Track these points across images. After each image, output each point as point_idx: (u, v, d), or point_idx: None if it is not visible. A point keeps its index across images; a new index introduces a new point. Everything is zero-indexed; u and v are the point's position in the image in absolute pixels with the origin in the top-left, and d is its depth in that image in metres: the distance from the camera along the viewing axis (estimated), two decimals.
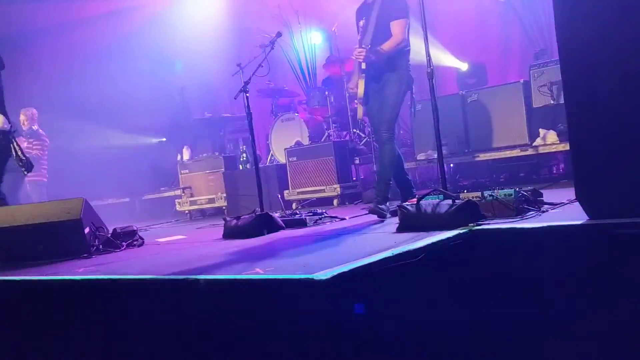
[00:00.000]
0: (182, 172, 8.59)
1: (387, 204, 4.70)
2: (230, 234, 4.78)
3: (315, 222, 4.93)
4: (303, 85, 9.93)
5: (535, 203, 3.78)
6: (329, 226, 4.80)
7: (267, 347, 2.56)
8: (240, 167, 7.96)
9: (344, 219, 5.08)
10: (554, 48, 6.72)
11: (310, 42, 9.87)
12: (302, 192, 7.12)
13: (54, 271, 3.81)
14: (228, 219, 4.96)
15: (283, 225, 4.81)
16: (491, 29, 8.34)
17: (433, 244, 3.00)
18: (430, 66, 4.16)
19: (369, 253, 2.83)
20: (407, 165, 5.32)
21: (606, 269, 2.72)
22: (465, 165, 7.30)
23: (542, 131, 6.11)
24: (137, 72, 9.64)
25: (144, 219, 8.49)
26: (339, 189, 6.79)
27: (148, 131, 10.16)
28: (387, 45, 4.65)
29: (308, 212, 5.40)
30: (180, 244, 5.05)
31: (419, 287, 2.81)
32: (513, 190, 3.75)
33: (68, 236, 4.44)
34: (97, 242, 4.59)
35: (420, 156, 7.01)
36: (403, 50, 4.74)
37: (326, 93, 7.93)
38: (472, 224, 3.35)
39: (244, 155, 7.93)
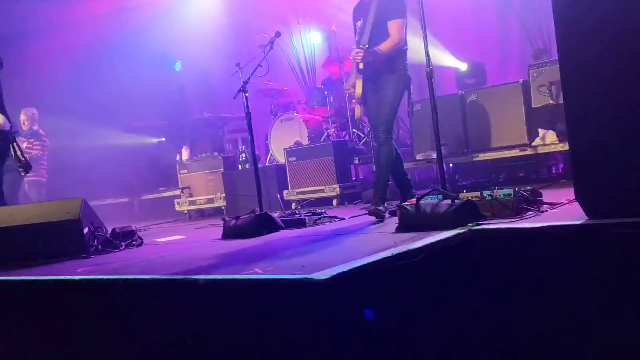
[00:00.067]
0: (181, 172, 8.59)
1: (386, 204, 4.70)
2: (230, 234, 4.78)
3: (315, 222, 4.93)
4: (302, 85, 9.93)
5: (534, 203, 3.78)
6: (328, 226, 4.80)
7: (267, 347, 2.56)
8: (240, 167, 7.96)
9: (344, 219, 5.08)
10: (553, 48, 6.72)
11: (309, 42, 9.87)
12: (302, 192, 7.11)
13: (53, 271, 3.81)
14: (227, 219, 4.96)
15: (282, 225, 4.80)
16: (490, 29, 8.34)
17: (432, 243, 3.00)
18: (429, 66, 4.16)
19: (368, 253, 2.83)
20: (406, 165, 5.32)
21: (605, 269, 2.72)
22: (465, 165, 7.29)
23: (541, 131, 6.11)
24: (137, 72, 9.63)
25: (143, 219, 8.49)
26: (338, 189, 6.78)
27: (147, 131, 10.16)
28: (384, 46, 4.63)
29: (307, 212, 5.40)
30: (179, 244, 5.05)
31: (418, 287, 2.81)
32: (512, 190, 3.76)
33: (67, 236, 4.43)
34: (96, 242, 4.58)
35: (420, 156, 7.01)
36: (401, 50, 4.72)
37: (325, 93, 7.94)
38: (471, 224, 3.35)
39: (243, 155, 7.93)
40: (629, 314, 2.64)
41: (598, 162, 2.92)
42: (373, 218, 4.60)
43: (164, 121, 10.05)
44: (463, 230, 3.23)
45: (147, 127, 10.10)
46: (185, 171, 8.55)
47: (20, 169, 5.04)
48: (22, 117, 8.13)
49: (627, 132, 2.82)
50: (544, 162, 6.77)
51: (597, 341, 2.74)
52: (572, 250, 2.84)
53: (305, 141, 7.62)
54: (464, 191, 4.06)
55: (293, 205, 7.12)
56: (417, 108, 6.65)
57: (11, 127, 5.10)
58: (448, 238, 3.11)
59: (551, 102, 6.19)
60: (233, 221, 4.83)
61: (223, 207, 7.88)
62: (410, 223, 3.67)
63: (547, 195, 4.12)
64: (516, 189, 3.82)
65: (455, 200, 3.58)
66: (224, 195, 7.85)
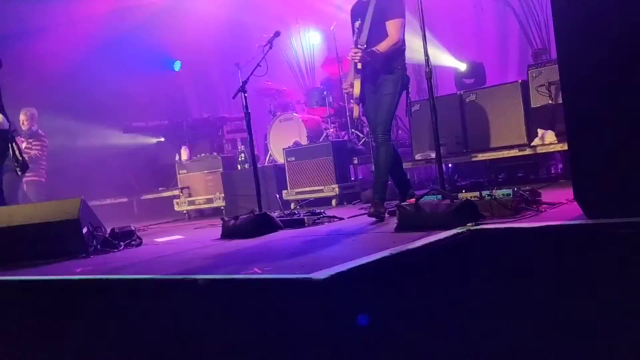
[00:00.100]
0: (181, 172, 8.59)
1: (385, 204, 4.70)
2: (229, 234, 4.78)
3: (314, 222, 4.93)
4: (302, 85, 9.93)
5: (533, 203, 3.79)
6: (327, 226, 4.80)
7: (265, 346, 2.56)
8: (239, 167, 7.95)
9: (343, 218, 5.08)
10: (552, 48, 6.73)
11: (308, 42, 9.86)
12: (301, 192, 7.11)
13: (52, 271, 3.81)
14: (226, 219, 4.96)
15: (281, 225, 4.80)
16: (490, 29, 8.34)
17: (431, 243, 3.00)
18: (428, 66, 4.16)
19: (367, 253, 2.84)
20: (405, 165, 5.33)
21: (605, 268, 2.72)
22: (464, 165, 7.29)
23: (540, 131, 6.11)
24: (136, 72, 9.63)
25: (142, 219, 8.49)
26: (337, 189, 6.78)
27: (146, 131, 10.16)
28: (382, 46, 4.61)
29: (306, 212, 5.40)
30: (179, 244, 5.05)
31: (417, 286, 2.81)
32: (511, 190, 3.76)
33: (66, 236, 4.43)
34: (95, 242, 4.59)
35: (419, 156, 7.01)
36: (399, 50, 4.70)
37: (325, 93, 7.94)
38: (470, 224, 3.35)
39: (242, 155, 7.93)
40: (629, 314, 2.64)
41: (597, 162, 2.93)
42: (372, 218, 4.60)
43: (163, 121, 10.05)
44: (462, 230, 3.23)
45: (146, 127, 10.09)
46: (185, 171, 8.55)
47: (17, 169, 5.04)
48: (22, 117, 8.11)
49: (626, 131, 2.83)
50: (543, 162, 6.77)
51: (597, 341, 2.74)
52: (570, 250, 2.84)
53: (304, 141, 7.62)
54: (463, 191, 4.07)
55: (292, 205, 7.12)
56: (416, 108, 6.67)
57: (10, 126, 5.10)
58: (447, 238, 3.11)
59: (550, 102, 6.19)
60: (232, 221, 4.83)
61: (222, 207, 7.88)
62: (409, 223, 3.67)
63: (546, 195, 4.12)
64: (515, 189, 3.82)
65: (455, 200, 3.59)
66: (223, 195, 7.85)
